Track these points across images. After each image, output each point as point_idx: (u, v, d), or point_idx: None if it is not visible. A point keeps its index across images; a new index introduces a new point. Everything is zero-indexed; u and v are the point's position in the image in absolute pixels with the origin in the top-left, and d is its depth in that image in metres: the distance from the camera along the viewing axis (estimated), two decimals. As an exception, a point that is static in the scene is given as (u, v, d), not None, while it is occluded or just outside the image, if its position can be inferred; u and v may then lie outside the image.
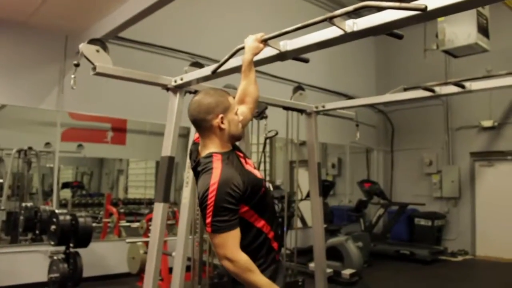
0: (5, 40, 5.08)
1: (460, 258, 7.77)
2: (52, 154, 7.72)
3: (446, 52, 5.80)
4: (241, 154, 1.93)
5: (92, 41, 2.52)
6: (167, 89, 2.79)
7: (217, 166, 1.73)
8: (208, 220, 1.67)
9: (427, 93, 3.02)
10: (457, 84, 2.90)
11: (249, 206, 1.79)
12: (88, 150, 7.93)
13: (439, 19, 5.46)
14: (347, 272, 5.13)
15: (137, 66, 2.90)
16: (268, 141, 10.05)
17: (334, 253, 5.93)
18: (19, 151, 7.17)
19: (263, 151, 3.19)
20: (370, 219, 8.04)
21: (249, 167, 1.88)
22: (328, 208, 6.92)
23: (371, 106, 9.04)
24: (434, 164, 8.78)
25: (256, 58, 2.09)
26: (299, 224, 8.57)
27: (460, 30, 5.44)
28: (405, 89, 3.23)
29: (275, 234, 1.93)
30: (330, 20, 1.76)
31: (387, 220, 8.39)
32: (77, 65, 2.49)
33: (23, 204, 6.28)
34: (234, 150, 1.89)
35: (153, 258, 2.69)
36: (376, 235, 7.87)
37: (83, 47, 2.49)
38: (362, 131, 8.79)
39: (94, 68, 2.46)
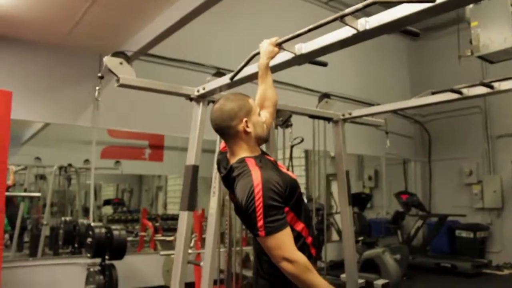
0: (44, 61, 5.33)
1: (506, 272, 7.40)
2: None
3: (482, 58, 5.62)
4: (271, 158, 1.92)
5: (115, 54, 2.62)
6: (190, 99, 2.85)
7: (255, 168, 1.69)
8: (260, 223, 1.60)
9: (455, 95, 2.94)
10: (485, 84, 2.81)
11: (289, 207, 1.74)
12: (127, 167, 8.16)
13: (472, 24, 5.31)
14: (379, 282, 5.01)
15: (166, 80, 2.96)
16: (303, 154, 10.01)
17: (370, 266, 5.80)
18: (60, 168, 7.47)
19: (290, 158, 3.18)
20: (408, 231, 7.82)
21: (283, 169, 1.86)
22: (365, 221, 6.79)
23: (407, 116, 8.87)
24: (475, 173, 8.46)
25: (273, 62, 2.11)
26: (335, 236, 8.46)
27: (495, 35, 5.25)
28: (433, 93, 3.15)
29: (313, 240, 1.90)
30: (341, 19, 1.76)
31: (427, 232, 8.13)
32: (101, 78, 2.59)
33: (63, 218, 6.51)
34: (263, 154, 1.87)
35: (178, 266, 2.71)
36: (415, 248, 7.63)
37: (107, 60, 2.58)
38: (399, 142, 8.67)
39: (118, 80, 2.55)
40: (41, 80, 5.33)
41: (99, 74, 2.59)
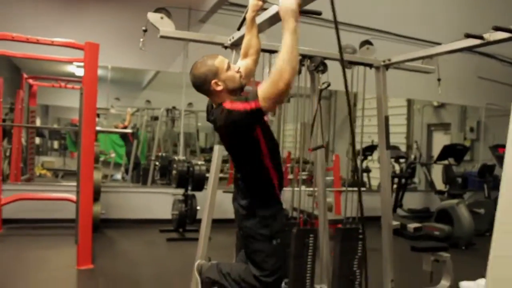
0: (143, 16, 6.00)
1: None
2: (194, 114, 8.84)
3: None
4: None
5: (157, 10, 3.02)
6: (225, 47, 3.16)
7: (229, 104, 1.96)
8: (245, 106, 1.87)
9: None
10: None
11: (260, 127, 2.06)
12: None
13: None
14: (411, 226, 5.06)
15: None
16: (406, 103, 9.67)
17: (444, 216, 5.73)
18: (166, 110, 8.40)
19: (318, 101, 3.34)
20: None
21: None
22: (453, 173, 6.57)
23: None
24: None
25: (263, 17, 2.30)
26: (423, 187, 8.30)
27: None
28: (497, 29, 2.82)
29: (278, 173, 2.21)
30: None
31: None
32: (145, 31, 3.03)
33: (160, 154, 7.45)
34: None
35: (208, 197, 3.13)
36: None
37: (150, 15, 3.00)
38: (503, 91, 7.97)
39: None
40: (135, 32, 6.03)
41: (143, 28, 3.03)
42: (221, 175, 7.59)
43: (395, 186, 6.74)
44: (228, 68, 2.11)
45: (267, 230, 2.16)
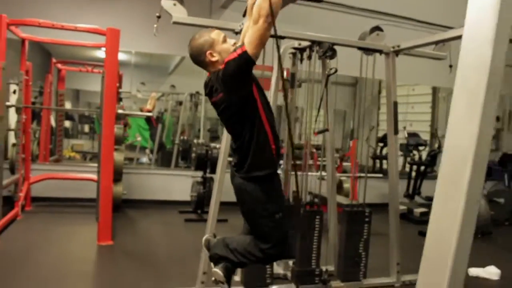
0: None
1: None
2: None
3: None
4: None
5: (170, -3, 3.15)
6: (236, 33, 3.26)
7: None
8: (237, 52, 1.98)
9: None
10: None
11: (256, 87, 2.15)
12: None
13: None
14: (418, 210, 5.08)
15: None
16: (431, 91, 9.55)
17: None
18: (190, 95, 8.57)
19: (325, 86, 3.41)
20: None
21: None
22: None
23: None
24: None
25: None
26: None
27: None
28: None
29: (275, 141, 2.24)
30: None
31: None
32: (159, 17, 3.15)
33: (181, 138, 7.63)
34: None
35: (217, 178, 3.27)
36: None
37: (163, 2, 3.12)
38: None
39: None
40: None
41: (157, 14, 3.16)
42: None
43: (414, 173, 6.72)
44: (224, 41, 2.20)
45: (270, 205, 2.23)
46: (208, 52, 2.17)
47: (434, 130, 8.72)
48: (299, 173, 3.88)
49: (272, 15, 1.91)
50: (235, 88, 2.09)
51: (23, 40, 4.97)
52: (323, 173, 3.88)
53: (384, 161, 7.72)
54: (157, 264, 3.87)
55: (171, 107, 9.03)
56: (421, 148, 6.79)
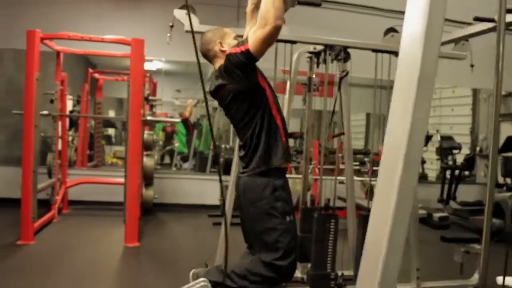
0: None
1: None
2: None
3: None
4: None
5: (182, 7, 3.26)
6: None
7: None
8: (240, 49, 2.03)
9: None
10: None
11: (263, 78, 2.17)
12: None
13: None
14: (437, 215, 4.91)
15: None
16: (471, 92, 9.22)
17: (496, 210, 5.50)
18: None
19: (338, 89, 3.40)
20: None
21: None
22: (513, 164, 6.23)
23: None
24: None
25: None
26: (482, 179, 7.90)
27: None
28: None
29: (284, 130, 2.19)
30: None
31: None
32: (171, 26, 3.28)
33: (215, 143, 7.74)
34: None
35: (230, 182, 3.34)
36: None
37: (176, 12, 3.25)
38: None
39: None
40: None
41: (170, 24, 3.28)
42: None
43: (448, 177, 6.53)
44: (235, 38, 2.27)
45: (281, 204, 2.08)
46: (218, 41, 2.24)
47: (470, 133, 8.42)
48: (330, 177, 3.90)
49: (280, 18, 1.93)
50: (239, 78, 2.08)
51: (58, 53, 5.26)
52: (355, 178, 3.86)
53: (424, 165, 7.55)
54: (179, 265, 3.98)
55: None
56: (455, 151, 6.58)
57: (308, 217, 3.52)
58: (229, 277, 2.12)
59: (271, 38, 1.97)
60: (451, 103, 9.79)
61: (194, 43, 1.89)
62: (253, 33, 2.01)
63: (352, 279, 3.60)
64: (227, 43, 2.23)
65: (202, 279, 2.17)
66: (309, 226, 3.46)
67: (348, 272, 3.64)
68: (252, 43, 1.99)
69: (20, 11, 6.03)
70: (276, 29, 1.94)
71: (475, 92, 9.22)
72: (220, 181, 2.13)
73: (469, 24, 3.26)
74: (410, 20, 1.10)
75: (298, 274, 3.77)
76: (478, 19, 2.73)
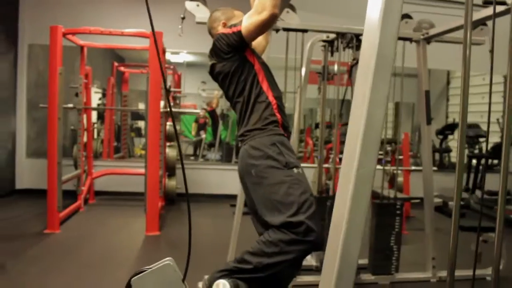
0: (213, 4, 6.39)
1: None
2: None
3: None
4: None
5: (193, -1, 3.31)
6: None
7: None
8: (233, 29, 2.03)
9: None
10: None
11: (254, 55, 2.12)
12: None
13: None
14: (453, 203, 4.76)
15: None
16: (502, 79, 9.01)
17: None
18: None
19: (349, 77, 3.37)
20: None
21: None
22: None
23: None
24: None
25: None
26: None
27: None
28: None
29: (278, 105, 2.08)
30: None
31: None
32: (183, 18, 3.33)
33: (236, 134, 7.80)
34: None
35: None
36: None
37: (187, 3, 3.29)
38: None
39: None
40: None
41: (182, 15, 3.33)
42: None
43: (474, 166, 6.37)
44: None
45: (284, 157, 1.92)
46: (223, 21, 2.27)
47: (497, 121, 8.18)
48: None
49: (276, 7, 1.92)
50: (226, 57, 2.08)
51: (81, 47, 5.42)
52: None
53: (445, 154, 7.39)
54: (197, 253, 4.01)
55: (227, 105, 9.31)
56: (481, 139, 6.41)
57: (321, 205, 3.51)
58: (238, 261, 1.89)
59: (266, 26, 1.97)
60: (482, 91, 9.53)
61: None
62: (248, 17, 2.00)
63: (367, 268, 3.61)
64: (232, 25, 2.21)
65: (167, 258, 1.98)
66: (322, 214, 3.47)
67: (363, 261, 3.65)
68: (245, 26, 1.99)
69: (48, 8, 6.23)
70: (273, 17, 1.93)
71: (506, 79, 8.93)
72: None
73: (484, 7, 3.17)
74: (371, 6, 1.10)
75: (312, 262, 3.79)
76: (487, 2, 2.66)
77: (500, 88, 9.12)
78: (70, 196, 5.32)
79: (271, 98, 2.06)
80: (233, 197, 6.38)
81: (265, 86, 2.08)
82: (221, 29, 2.22)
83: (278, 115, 2.05)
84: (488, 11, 2.94)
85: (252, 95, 2.05)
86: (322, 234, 1.81)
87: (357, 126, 1.04)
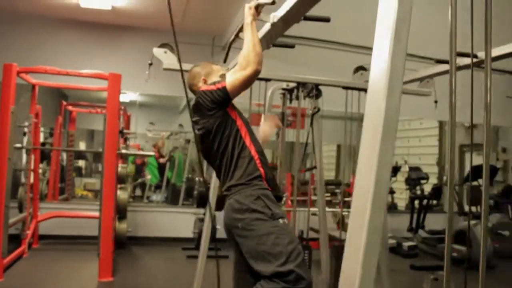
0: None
1: None
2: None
3: None
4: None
5: (161, 45, 3.38)
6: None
7: None
8: (217, 86, 2.08)
9: None
10: None
11: (235, 110, 2.18)
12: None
13: None
14: (406, 244, 5.15)
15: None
16: (437, 124, 9.57)
17: (463, 237, 5.70)
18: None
19: (311, 124, 3.55)
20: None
21: None
22: (479, 193, 6.49)
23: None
24: None
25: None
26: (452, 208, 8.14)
27: None
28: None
29: (261, 160, 2.14)
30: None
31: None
32: (150, 64, 3.38)
33: (187, 176, 7.80)
34: None
35: (207, 216, 3.41)
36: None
37: (155, 50, 3.36)
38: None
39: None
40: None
41: (149, 61, 3.39)
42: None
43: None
44: (222, 76, 2.23)
45: (269, 210, 1.98)
46: (203, 77, 2.31)
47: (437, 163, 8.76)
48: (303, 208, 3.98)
49: (260, 64, 2.02)
50: (209, 114, 2.11)
51: (33, 86, 5.27)
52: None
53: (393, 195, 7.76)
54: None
55: (181, 146, 9.28)
56: (423, 181, 6.82)
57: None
58: None
59: (250, 81, 2.07)
60: (420, 134, 10.16)
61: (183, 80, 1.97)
62: (233, 73, 2.09)
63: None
64: (212, 80, 2.28)
65: None
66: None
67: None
68: (230, 82, 2.06)
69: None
70: (256, 73, 2.03)
71: (441, 124, 9.61)
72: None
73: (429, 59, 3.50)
74: (376, 74, 1.24)
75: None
76: (439, 62, 2.95)
77: (436, 132, 9.81)
78: (12, 240, 5.01)
79: (253, 152, 2.13)
80: (185, 240, 6.33)
81: (247, 141, 2.14)
82: (202, 86, 2.26)
83: (262, 169, 2.11)
84: (435, 68, 3.26)
85: (235, 151, 2.10)
86: (312, 282, 1.89)
87: (366, 188, 1.16)
